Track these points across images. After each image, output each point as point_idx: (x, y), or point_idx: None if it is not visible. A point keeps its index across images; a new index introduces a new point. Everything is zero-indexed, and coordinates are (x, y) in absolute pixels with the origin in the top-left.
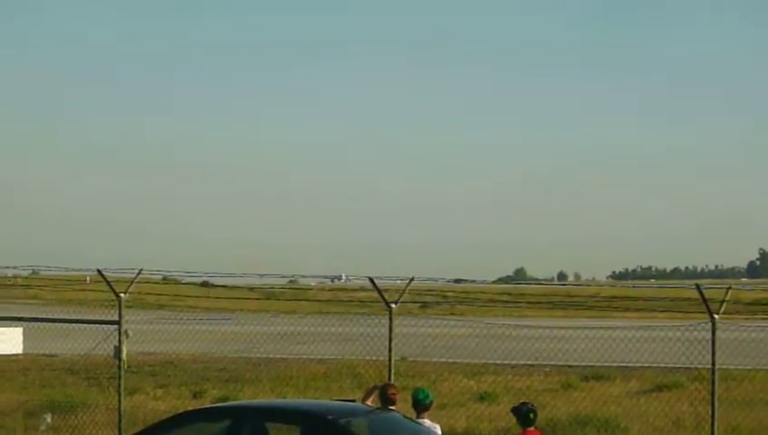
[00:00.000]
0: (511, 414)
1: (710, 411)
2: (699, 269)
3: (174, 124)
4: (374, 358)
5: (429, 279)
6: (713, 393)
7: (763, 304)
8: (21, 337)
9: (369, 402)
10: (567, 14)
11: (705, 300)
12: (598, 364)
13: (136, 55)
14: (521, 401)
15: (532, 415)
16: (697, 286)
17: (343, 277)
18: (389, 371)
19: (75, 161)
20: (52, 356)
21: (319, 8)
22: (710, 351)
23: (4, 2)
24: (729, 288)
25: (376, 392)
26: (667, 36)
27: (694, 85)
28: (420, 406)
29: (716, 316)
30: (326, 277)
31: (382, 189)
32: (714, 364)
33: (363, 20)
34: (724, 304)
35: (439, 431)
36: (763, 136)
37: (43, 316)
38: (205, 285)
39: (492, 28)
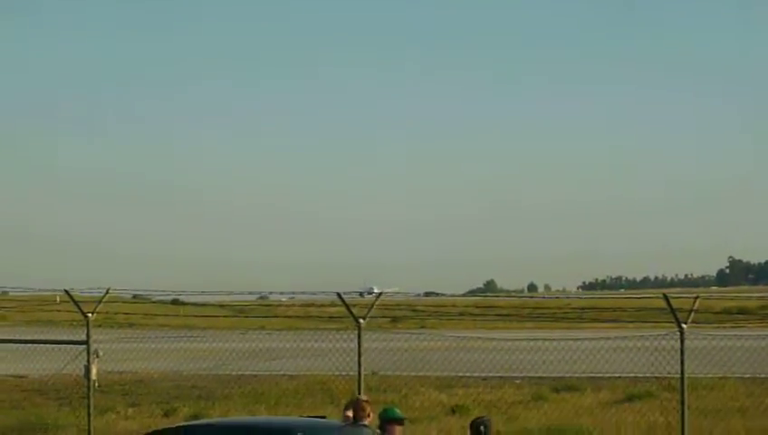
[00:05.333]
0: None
1: (680, 420)
2: (669, 278)
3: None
4: (345, 373)
5: (399, 293)
6: (682, 403)
7: (733, 313)
8: None
9: (349, 414)
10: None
11: (672, 310)
12: (568, 375)
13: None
14: (480, 415)
15: (483, 428)
16: (665, 296)
17: (375, 290)
18: (359, 385)
19: (43, 185)
20: (21, 377)
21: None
22: (677, 359)
23: None
24: (697, 297)
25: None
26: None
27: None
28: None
29: (684, 326)
30: (355, 291)
31: (353, 207)
32: (683, 373)
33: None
34: (693, 314)
35: None
36: (734, 145)
37: (11, 337)
38: (175, 302)
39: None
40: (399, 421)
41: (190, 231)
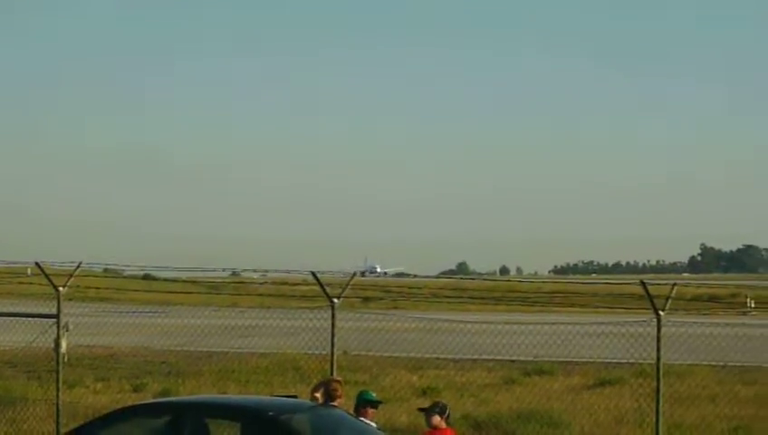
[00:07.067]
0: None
1: (654, 407)
2: (641, 264)
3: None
4: (316, 352)
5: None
6: (657, 390)
7: (704, 300)
8: None
9: (317, 396)
10: None
11: (650, 297)
12: (540, 359)
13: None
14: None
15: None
16: (642, 283)
17: (378, 269)
18: (332, 366)
19: (19, 154)
20: None
21: None
22: (651, 346)
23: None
24: (675, 284)
25: (322, 388)
26: None
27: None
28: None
29: (662, 313)
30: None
31: (325, 187)
32: (659, 360)
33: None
34: (669, 301)
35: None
36: (703, 130)
37: None
38: (147, 277)
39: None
40: (375, 404)
41: (173, 206)
